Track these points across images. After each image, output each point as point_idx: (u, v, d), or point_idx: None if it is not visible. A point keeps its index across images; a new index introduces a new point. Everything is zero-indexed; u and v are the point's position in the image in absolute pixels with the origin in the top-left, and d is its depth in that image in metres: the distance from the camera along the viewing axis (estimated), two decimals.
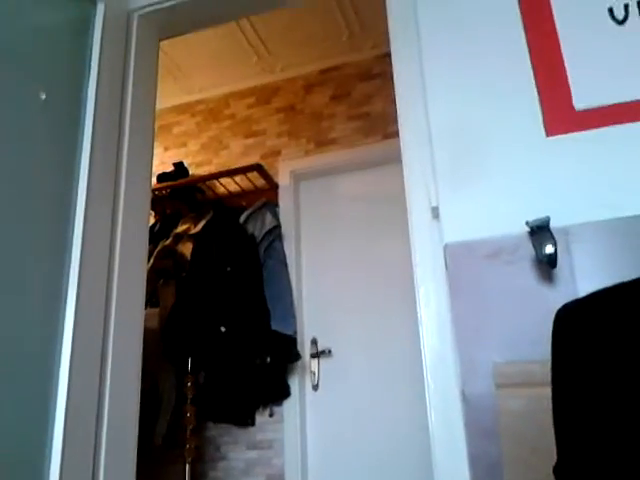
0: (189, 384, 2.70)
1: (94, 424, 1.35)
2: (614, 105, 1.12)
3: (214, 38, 3.19)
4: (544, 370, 0.95)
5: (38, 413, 1.22)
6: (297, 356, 2.78)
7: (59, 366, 1.28)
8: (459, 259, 1.12)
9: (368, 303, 2.92)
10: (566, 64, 1.17)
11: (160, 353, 2.63)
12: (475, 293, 1.09)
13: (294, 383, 2.83)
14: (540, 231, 1.03)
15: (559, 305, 0.88)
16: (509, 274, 1.07)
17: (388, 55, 1.50)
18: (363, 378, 2.81)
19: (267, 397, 2.80)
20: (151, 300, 2.79)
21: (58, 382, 1.26)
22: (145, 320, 1.65)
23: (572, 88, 1.16)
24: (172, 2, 1.80)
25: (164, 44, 2.05)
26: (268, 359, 2.65)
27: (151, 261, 2.86)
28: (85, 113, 1.50)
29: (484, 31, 1.27)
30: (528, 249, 1.05)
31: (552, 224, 1.02)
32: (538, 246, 1.02)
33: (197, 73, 3.56)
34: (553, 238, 1.00)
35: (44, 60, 1.40)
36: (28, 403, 1.20)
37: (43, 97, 1.35)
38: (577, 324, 0.78)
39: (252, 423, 2.82)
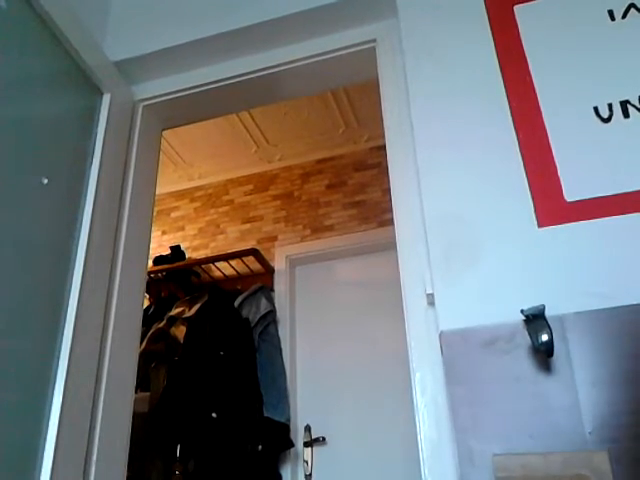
0: (177, 472, 2.59)
1: None
2: (603, 197, 1.16)
3: (215, 128, 3.31)
4: (545, 463, 0.93)
5: None
6: (290, 444, 2.70)
7: (44, 447, 1.24)
8: (455, 347, 1.12)
9: (363, 390, 2.87)
10: (555, 159, 1.22)
11: (148, 439, 2.54)
12: (472, 382, 1.08)
13: (286, 472, 2.74)
14: (535, 319, 1.03)
15: (557, 395, 0.87)
16: (506, 363, 1.06)
17: (383, 148, 1.56)
18: (358, 468, 2.72)
19: None
20: (142, 384, 2.73)
21: (42, 469, 1.22)
22: (134, 404, 1.61)
23: (562, 181, 1.20)
24: (176, 95, 1.87)
25: (166, 133, 2.12)
26: (260, 447, 2.56)
27: (143, 344, 2.83)
28: (86, 196, 1.52)
29: (476, 127, 1.33)
30: (524, 338, 1.06)
31: (547, 313, 1.02)
32: (534, 334, 1.02)
33: (198, 161, 3.66)
34: (549, 326, 1.00)
35: (48, 147, 1.43)
36: None
37: (45, 182, 1.37)
38: None
39: None
